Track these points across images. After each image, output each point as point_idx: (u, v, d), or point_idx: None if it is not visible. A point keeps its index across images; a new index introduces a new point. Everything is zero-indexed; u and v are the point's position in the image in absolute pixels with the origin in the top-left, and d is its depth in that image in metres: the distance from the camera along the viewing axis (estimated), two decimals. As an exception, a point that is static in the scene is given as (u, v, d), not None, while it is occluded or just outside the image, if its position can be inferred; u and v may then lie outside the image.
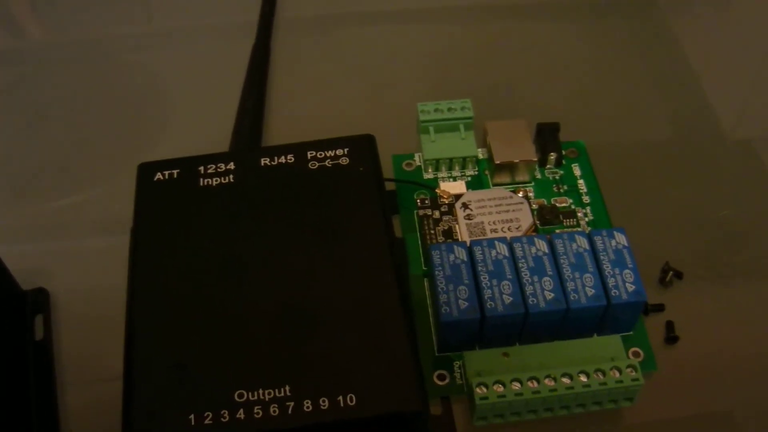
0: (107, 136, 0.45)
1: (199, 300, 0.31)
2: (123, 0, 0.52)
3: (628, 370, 0.31)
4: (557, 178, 0.39)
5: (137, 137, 0.45)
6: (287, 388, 0.28)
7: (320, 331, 0.29)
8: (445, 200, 0.38)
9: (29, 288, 0.37)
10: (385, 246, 0.32)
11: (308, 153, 0.35)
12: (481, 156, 0.40)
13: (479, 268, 0.32)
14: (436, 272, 0.32)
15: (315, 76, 0.47)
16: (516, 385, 0.31)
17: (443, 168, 0.39)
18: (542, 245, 0.33)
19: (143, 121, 0.46)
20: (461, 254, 0.33)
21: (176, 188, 0.34)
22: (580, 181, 0.39)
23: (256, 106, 0.43)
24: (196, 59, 0.49)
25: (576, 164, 0.39)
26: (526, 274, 0.32)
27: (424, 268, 0.36)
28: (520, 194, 0.38)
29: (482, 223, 0.36)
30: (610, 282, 0.32)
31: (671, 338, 0.34)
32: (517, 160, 0.38)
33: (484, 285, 0.32)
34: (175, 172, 0.34)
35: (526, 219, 0.36)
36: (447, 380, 0.33)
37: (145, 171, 0.34)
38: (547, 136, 0.39)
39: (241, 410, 0.28)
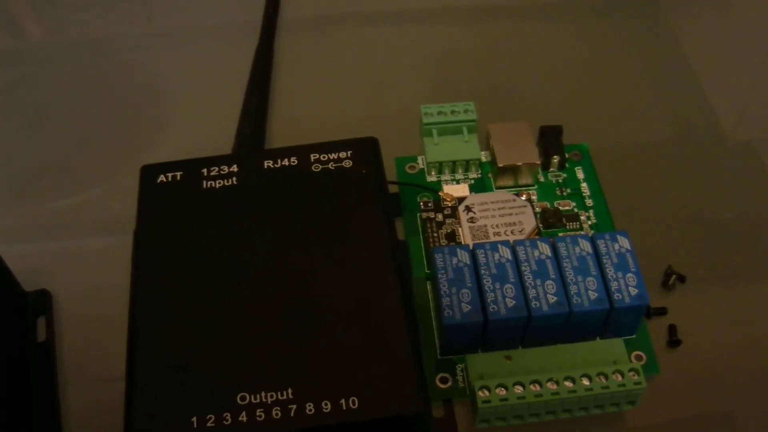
0: (107, 136, 0.45)
1: (201, 302, 0.31)
2: (123, 0, 0.52)
3: (631, 373, 0.31)
4: (560, 181, 0.39)
5: (137, 137, 0.45)
6: (289, 390, 0.28)
7: (323, 334, 0.29)
8: (448, 203, 0.38)
9: (30, 288, 0.37)
10: (387, 248, 0.32)
11: (311, 155, 0.35)
12: (484, 159, 0.40)
13: (482, 272, 0.32)
14: (439, 275, 0.32)
15: (316, 77, 0.47)
16: (518, 389, 0.31)
17: (446, 171, 0.39)
18: (545, 249, 0.33)
19: (143, 121, 0.46)
20: (464, 257, 0.33)
21: (179, 190, 0.34)
22: (583, 185, 0.39)
23: (259, 108, 0.43)
24: (196, 59, 0.48)
25: (579, 167, 0.39)
26: (529, 278, 0.32)
27: (426, 271, 0.36)
28: (523, 197, 0.38)
29: (485, 226, 0.36)
30: (613, 285, 0.32)
31: (674, 341, 0.34)
32: (520, 163, 0.38)
33: (486, 288, 0.32)
34: (177, 174, 0.34)
35: (529, 222, 0.36)
36: (449, 383, 0.33)
37: (148, 173, 0.34)
38: (550, 139, 0.39)
39: (244, 413, 0.28)
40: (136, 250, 0.32)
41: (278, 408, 0.28)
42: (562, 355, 0.32)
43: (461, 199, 0.37)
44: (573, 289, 0.32)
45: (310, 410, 0.28)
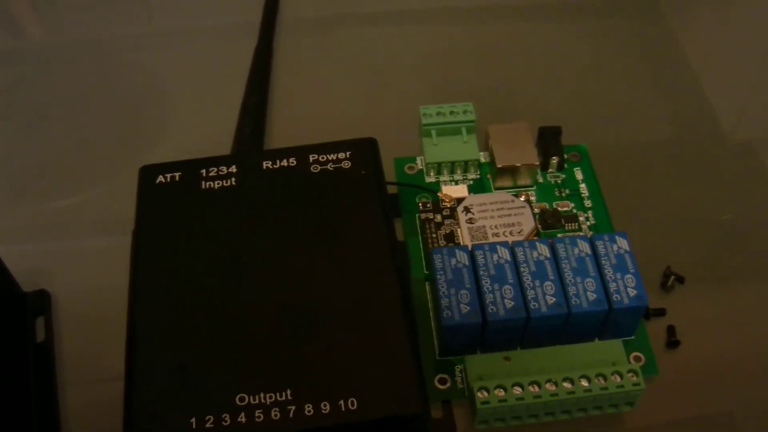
0: (107, 136, 0.45)
1: (200, 303, 0.31)
2: (123, 0, 0.52)
3: (629, 374, 0.31)
4: (559, 182, 0.39)
5: (137, 137, 0.45)
6: (288, 391, 0.28)
7: (322, 334, 0.29)
8: (447, 204, 0.38)
9: (29, 288, 0.37)
10: (386, 248, 0.32)
11: (310, 156, 0.35)
12: (483, 159, 0.40)
13: (481, 272, 0.32)
14: (438, 276, 0.32)
15: (316, 77, 0.47)
16: (517, 390, 0.31)
17: (445, 171, 0.39)
18: (544, 249, 0.33)
19: (143, 121, 0.46)
20: (463, 258, 0.33)
21: (178, 191, 0.34)
22: (582, 185, 0.39)
23: (258, 108, 0.43)
24: (196, 59, 0.48)
25: (578, 168, 0.39)
26: (527, 279, 0.32)
27: (425, 271, 0.36)
28: (522, 198, 0.38)
29: (484, 227, 0.36)
30: (612, 287, 0.32)
31: (672, 342, 0.34)
32: (519, 164, 0.38)
33: (485, 289, 0.32)
34: (176, 174, 0.34)
35: (528, 223, 0.36)
36: (448, 384, 0.33)
37: (147, 174, 0.34)
38: (549, 140, 0.39)
39: (243, 414, 0.28)
40: (135, 251, 0.32)
41: (277, 409, 0.28)
42: (560, 356, 0.32)
43: (460, 200, 0.37)
44: (572, 290, 0.32)
45: (309, 411, 0.28)
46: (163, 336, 0.30)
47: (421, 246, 0.37)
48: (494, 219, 0.36)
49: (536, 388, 0.31)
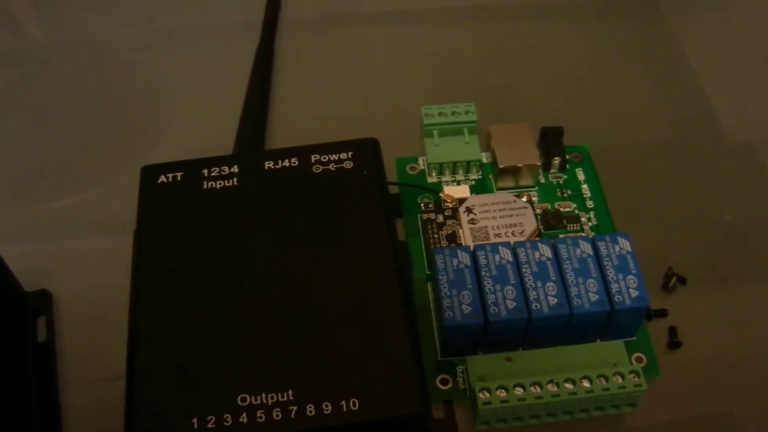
0: (107, 136, 0.45)
1: (202, 303, 0.31)
2: (123, 0, 0.52)
3: (631, 375, 0.31)
4: (561, 182, 0.39)
5: (137, 137, 0.44)
6: (290, 391, 0.28)
7: (323, 335, 0.29)
8: (448, 204, 0.38)
9: (30, 288, 0.37)
10: (387, 249, 0.32)
11: (312, 156, 0.35)
12: (485, 160, 0.40)
13: (483, 273, 0.32)
14: (440, 276, 0.32)
15: (317, 77, 0.47)
16: (519, 390, 0.31)
17: (447, 172, 0.39)
18: (546, 250, 0.33)
19: (143, 121, 0.46)
20: (465, 259, 0.33)
21: (180, 191, 0.34)
22: (584, 186, 0.39)
23: (259, 108, 0.43)
24: (197, 59, 0.48)
25: (580, 168, 0.39)
26: (529, 279, 0.32)
27: (427, 272, 0.36)
28: (524, 199, 0.38)
29: (486, 227, 0.36)
30: (614, 287, 0.32)
31: (674, 343, 0.34)
32: (521, 165, 0.38)
33: (487, 290, 0.32)
34: (178, 174, 0.34)
35: (529, 224, 0.36)
36: (450, 385, 0.33)
37: (149, 174, 0.34)
38: (550, 140, 0.39)
39: (244, 414, 0.28)
40: (136, 251, 0.32)
41: (279, 409, 0.28)
42: (562, 356, 0.32)
43: (462, 201, 0.37)
44: (573, 290, 0.32)
45: (311, 411, 0.28)
46: (165, 336, 0.30)
47: (423, 246, 0.37)
48: (496, 219, 0.36)
49: (538, 389, 0.31)
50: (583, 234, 0.37)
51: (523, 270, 0.32)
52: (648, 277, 0.33)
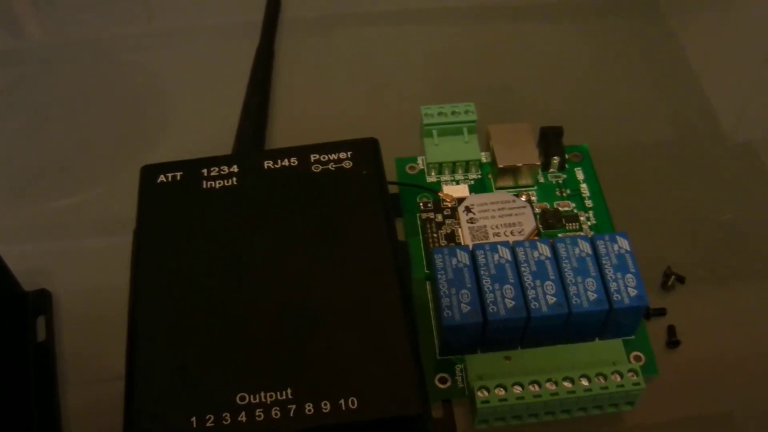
0: (107, 136, 0.45)
1: (201, 302, 0.31)
2: (123, 0, 0.52)
3: (630, 374, 0.31)
4: (560, 182, 0.39)
5: (137, 137, 0.45)
6: (289, 391, 0.28)
7: (322, 334, 0.29)
8: (448, 204, 0.38)
9: (30, 288, 0.37)
10: (387, 248, 0.32)
11: (311, 156, 0.35)
12: (484, 159, 0.40)
13: (482, 272, 0.32)
14: (439, 276, 0.32)
15: (317, 77, 0.47)
16: (517, 389, 0.31)
17: (446, 171, 0.39)
18: (545, 249, 0.33)
19: (143, 121, 0.46)
20: (464, 258, 0.33)
21: (179, 191, 0.34)
22: (583, 185, 0.39)
23: (259, 108, 0.43)
24: (197, 59, 0.48)
25: (579, 168, 0.39)
26: (528, 278, 0.32)
27: (426, 271, 0.36)
28: (523, 198, 0.38)
29: (485, 226, 0.36)
30: (612, 286, 0.32)
31: (673, 342, 0.34)
32: (520, 164, 0.38)
33: (486, 289, 0.32)
34: (178, 174, 0.34)
35: (528, 223, 0.36)
36: (448, 383, 0.33)
37: (148, 173, 0.34)
38: (550, 140, 0.39)
39: (243, 413, 0.28)
40: (136, 250, 0.32)
41: (277, 408, 0.28)
42: (561, 355, 0.32)
43: (461, 200, 0.37)
44: (572, 290, 0.32)
45: (310, 410, 0.28)
46: (164, 335, 0.30)
47: (422, 246, 0.37)
48: (495, 219, 0.36)
49: (536, 388, 0.31)
50: (582, 233, 0.37)
51: (522, 269, 0.32)
52: (647, 276, 0.33)
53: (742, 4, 0.52)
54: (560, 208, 0.38)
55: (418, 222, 0.38)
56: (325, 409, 0.28)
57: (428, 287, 0.36)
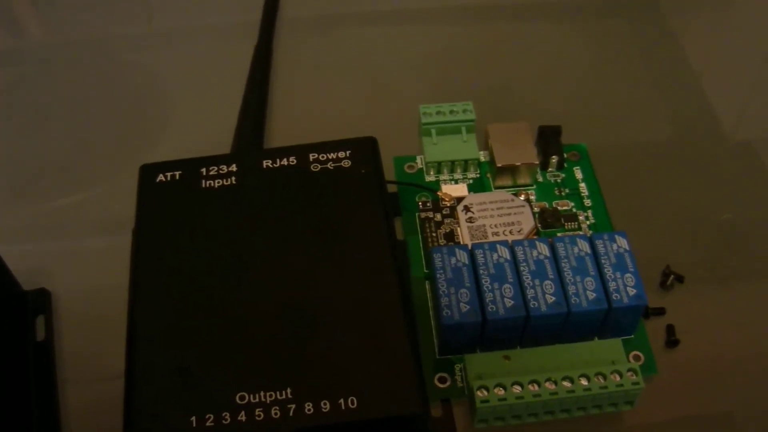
0: (107, 136, 0.45)
1: (200, 301, 0.31)
2: (123, 0, 0.52)
3: (629, 373, 0.31)
4: (559, 181, 0.39)
5: (137, 137, 0.45)
6: (288, 390, 0.28)
7: (322, 334, 0.29)
8: (446, 203, 0.38)
9: (30, 288, 0.37)
10: (386, 247, 0.32)
11: (310, 155, 0.35)
12: (482, 159, 0.40)
13: (481, 272, 0.32)
14: (438, 275, 0.32)
15: (316, 77, 0.47)
16: (517, 389, 0.31)
17: (445, 170, 0.39)
18: (544, 249, 0.33)
19: (143, 121, 0.46)
20: (463, 257, 0.33)
21: (178, 190, 0.34)
22: (582, 185, 0.39)
23: (258, 107, 0.43)
24: (196, 59, 0.48)
25: (578, 167, 0.39)
26: (527, 278, 0.32)
27: (425, 270, 0.36)
28: (522, 197, 0.38)
29: (484, 226, 0.36)
30: (611, 286, 0.32)
31: (672, 342, 0.34)
32: (518, 163, 0.38)
33: (485, 288, 0.32)
34: (177, 173, 0.34)
35: (527, 222, 0.36)
36: (448, 383, 0.33)
37: (147, 172, 0.34)
38: (548, 139, 0.39)
39: (243, 412, 0.28)
40: (135, 250, 0.32)
41: (277, 408, 0.28)
42: (560, 355, 0.32)
43: (460, 199, 0.37)
44: (571, 289, 0.32)
45: (309, 410, 0.28)
46: (164, 335, 0.30)
47: (421, 245, 0.37)
48: (494, 218, 0.36)
49: (536, 387, 0.31)
50: (580, 232, 0.37)
51: (521, 268, 0.32)
52: (646, 275, 0.33)
53: (742, 4, 0.52)
54: (559, 208, 0.38)
55: (417, 221, 0.38)
56: (325, 408, 0.28)
57: (427, 287, 0.36)
